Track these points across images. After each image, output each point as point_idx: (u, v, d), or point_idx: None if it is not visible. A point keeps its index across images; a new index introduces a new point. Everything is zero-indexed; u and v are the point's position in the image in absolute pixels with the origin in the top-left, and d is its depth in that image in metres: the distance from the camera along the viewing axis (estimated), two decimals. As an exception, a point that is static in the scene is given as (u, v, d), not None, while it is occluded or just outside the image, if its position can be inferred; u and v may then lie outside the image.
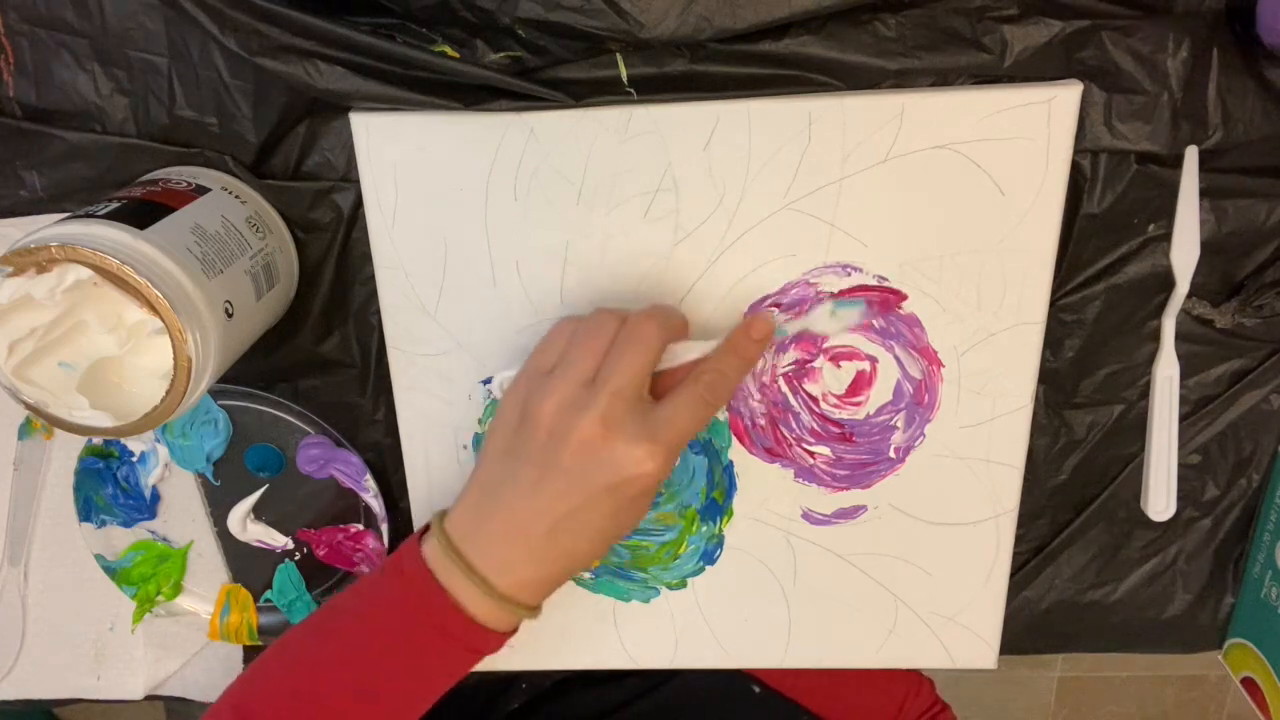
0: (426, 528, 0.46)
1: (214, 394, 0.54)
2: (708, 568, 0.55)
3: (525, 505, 0.42)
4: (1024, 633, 0.60)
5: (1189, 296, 0.51)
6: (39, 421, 0.54)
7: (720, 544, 0.55)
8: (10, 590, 0.62)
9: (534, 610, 0.45)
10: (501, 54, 0.45)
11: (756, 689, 0.65)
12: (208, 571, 0.61)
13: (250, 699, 0.46)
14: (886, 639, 0.56)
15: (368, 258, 0.50)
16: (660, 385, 0.45)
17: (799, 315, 0.49)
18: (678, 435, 0.42)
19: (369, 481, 0.56)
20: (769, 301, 0.49)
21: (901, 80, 0.45)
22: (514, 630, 0.45)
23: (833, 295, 0.49)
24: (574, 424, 0.41)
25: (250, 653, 0.63)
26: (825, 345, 0.50)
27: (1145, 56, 0.45)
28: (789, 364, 0.51)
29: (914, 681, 0.73)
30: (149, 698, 0.65)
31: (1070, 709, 1.62)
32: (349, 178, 0.50)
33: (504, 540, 0.43)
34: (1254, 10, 0.44)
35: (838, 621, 0.56)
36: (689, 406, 0.43)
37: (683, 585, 0.56)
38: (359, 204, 0.49)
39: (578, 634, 0.58)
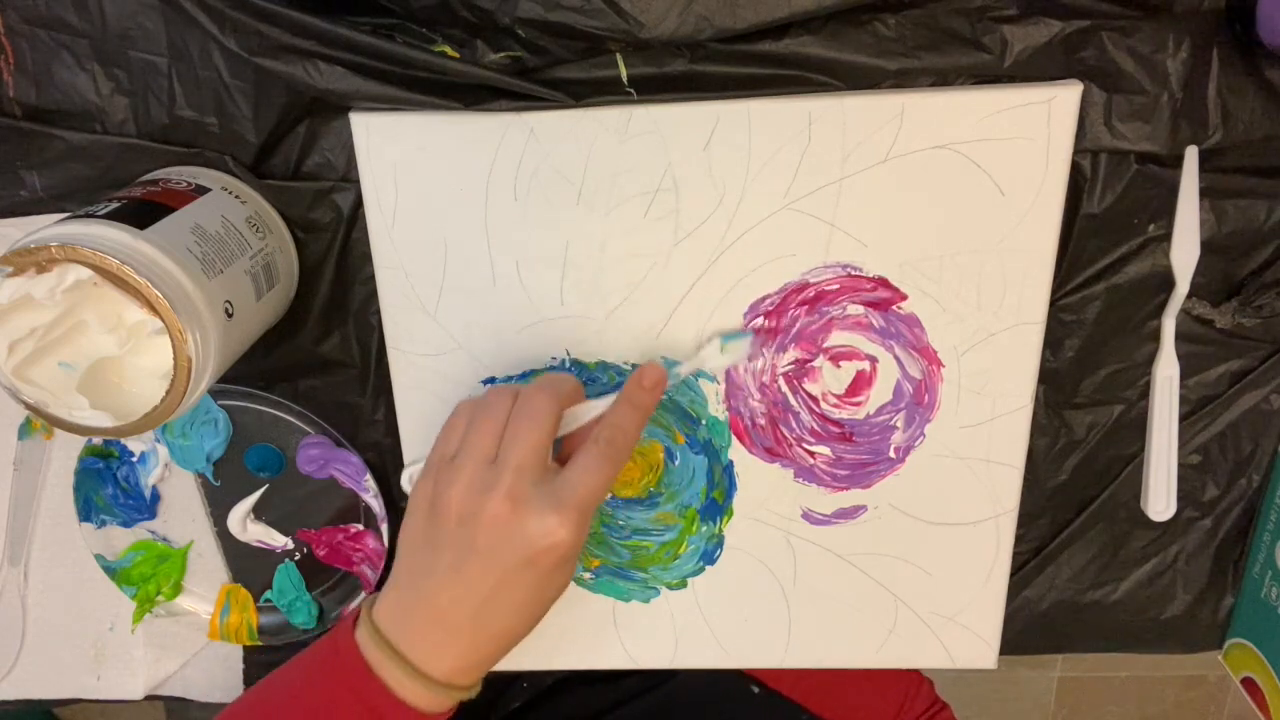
0: (358, 611, 0.46)
1: (214, 394, 0.54)
2: (708, 568, 0.55)
3: (446, 593, 0.43)
4: (1024, 633, 0.60)
5: (1189, 296, 0.51)
6: (39, 421, 0.54)
7: (720, 544, 0.55)
8: (10, 590, 0.62)
9: (470, 689, 0.45)
10: (501, 54, 0.45)
11: (755, 689, 0.65)
12: (208, 571, 0.61)
13: None
14: (886, 639, 0.56)
15: (368, 258, 0.50)
16: (567, 450, 0.45)
17: (687, 357, 0.49)
18: (586, 498, 0.42)
19: (369, 481, 0.56)
20: (766, 301, 0.49)
21: (901, 80, 0.45)
22: (451, 710, 0.45)
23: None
24: (482, 505, 0.41)
25: (250, 653, 0.63)
26: (825, 345, 0.50)
27: (1145, 56, 0.45)
28: (789, 364, 0.51)
29: (914, 682, 0.73)
30: (149, 698, 0.65)
31: (1070, 709, 1.62)
32: (349, 178, 0.50)
33: (431, 628, 0.43)
34: (1254, 10, 0.43)
35: (838, 621, 0.56)
36: (592, 467, 0.43)
37: (683, 585, 0.56)
38: (359, 204, 0.49)
39: (578, 634, 0.58)
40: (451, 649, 0.43)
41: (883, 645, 0.57)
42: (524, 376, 0.52)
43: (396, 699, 0.43)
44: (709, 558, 0.55)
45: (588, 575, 0.56)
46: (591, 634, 0.58)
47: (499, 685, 0.66)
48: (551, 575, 0.43)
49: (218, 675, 0.64)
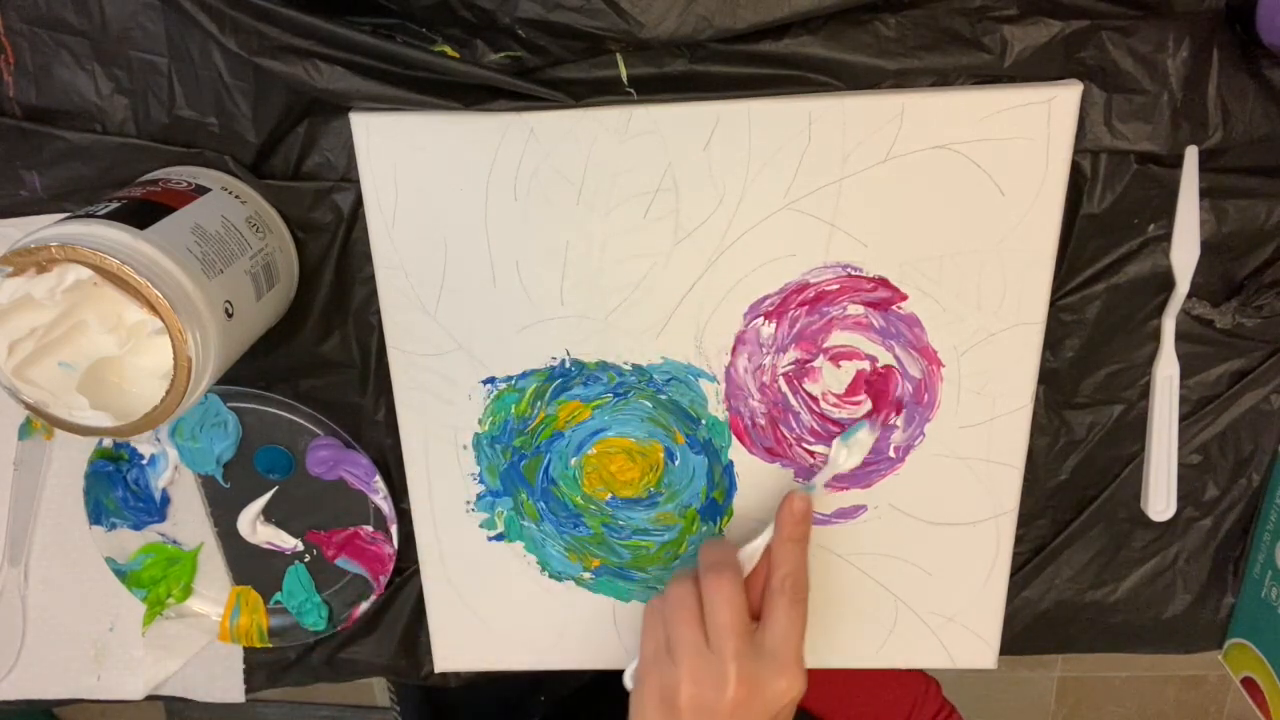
0: None
1: (223, 396, 0.54)
2: (708, 568, 0.55)
3: None
4: (1024, 633, 0.60)
5: (1189, 296, 0.51)
6: (39, 421, 0.54)
7: (720, 544, 0.55)
8: (10, 590, 0.62)
9: None
10: (501, 54, 0.45)
11: None
12: (218, 574, 0.61)
13: None
14: (886, 639, 0.56)
15: (368, 258, 0.50)
16: (751, 593, 0.48)
17: (819, 471, 0.51)
18: (796, 647, 0.46)
19: (378, 483, 0.56)
20: (766, 301, 0.49)
21: (901, 80, 0.45)
22: None
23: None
24: (720, 697, 0.44)
25: (250, 653, 0.63)
26: (825, 345, 0.50)
27: (1145, 56, 0.45)
28: (789, 364, 0.51)
29: (921, 684, 0.73)
30: (149, 698, 0.65)
31: (1070, 709, 1.62)
32: (349, 178, 0.50)
33: None
34: (1254, 10, 0.43)
35: (838, 621, 0.56)
36: (788, 617, 0.46)
37: (683, 585, 0.56)
38: (359, 204, 0.49)
39: (578, 634, 0.58)
40: None
41: (883, 645, 0.57)
42: (524, 376, 0.52)
43: None
44: (709, 558, 0.55)
45: (588, 575, 0.56)
46: (591, 634, 0.58)
47: (515, 699, 0.66)
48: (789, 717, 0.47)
49: (218, 675, 0.64)
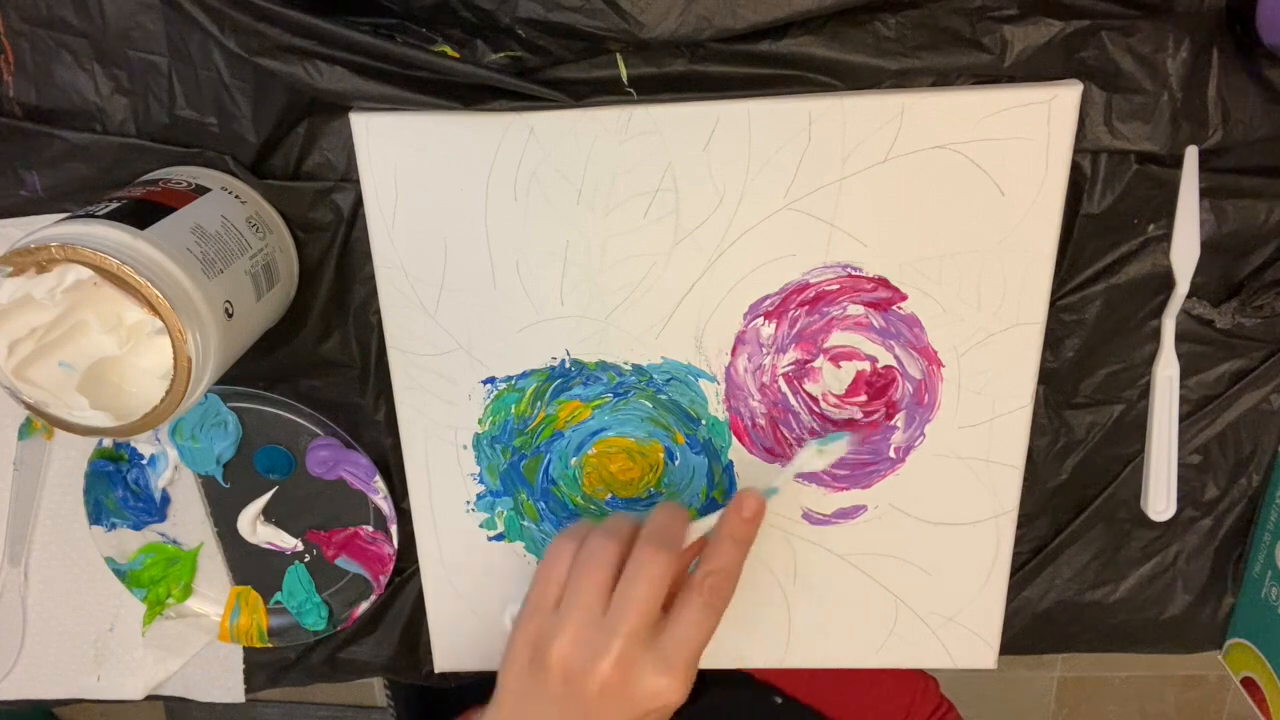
0: None
1: (223, 396, 0.54)
2: (708, 568, 0.55)
3: None
4: (1024, 633, 0.60)
5: (1189, 296, 0.51)
6: (39, 421, 0.54)
7: (720, 544, 0.55)
8: (10, 590, 0.62)
9: None
10: (501, 54, 0.45)
11: (779, 700, 0.65)
12: (218, 574, 0.61)
13: None
14: (886, 639, 0.56)
15: (368, 258, 0.50)
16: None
17: (785, 464, 0.49)
18: (694, 653, 0.42)
19: (378, 483, 0.56)
20: (766, 301, 0.49)
21: (901, 80, 0.45)
22: None
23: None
24: (590, 670, 0.41)
25: (250, 653, 0.63)
26: (825, 345, 0.50)
27: (1145, 56, 0.45)
28: (789, 364, 0.51)
29: (920, 682, 0.73)
30: (149, 698, 0.65)
31: (1070, 709, 1.62)
32: (349, 178, 0.50)
33: None
34: (1254, 10, 0.43)
35: (838, 621, 0.56)
36: (698, 620, 0.42)
37: (683, 585, 0.56)
38: (359, 204, 0.49)
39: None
40: None
41: (883, 645, 0.57)
42: (524, 376, 0.52)
43: None
44: (709, 558, 0.55)
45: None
46: (591, 634, 0.57)
47: None
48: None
49: (218, 675, 0.64)
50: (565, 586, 0.43)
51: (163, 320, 0.40)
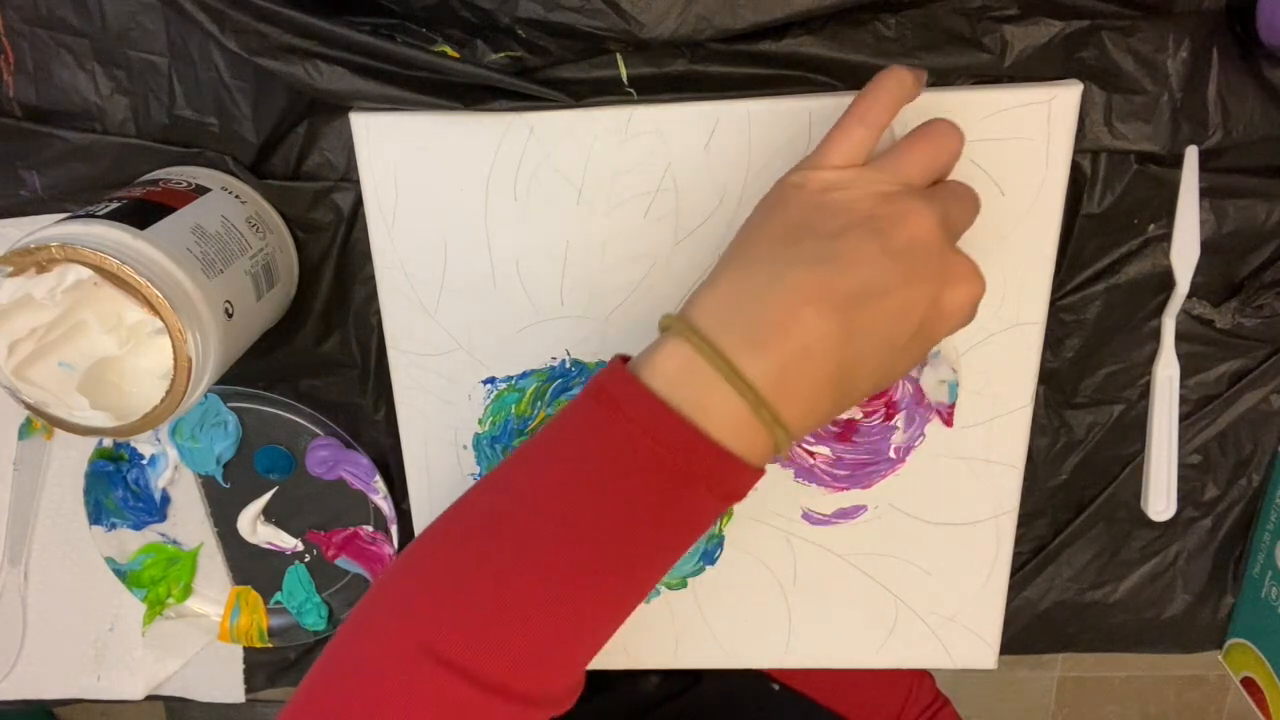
0: (620, 359, 0.37)
1: (224, 396, 0.54)
2: (708, 568, 0.55)
3: (814, 276, 0.34)
4: (1024, 633, 0.60)
5: (1189, 296, 0.51)
6: (39, 421, 0.54)
7: (720, 544, 0.55)
8: (10, 590, 0.62)
9: (788, 442, 0.35)
10: (501, 54, 0.45)
11: (776, 687, 0.66)
12: (218, 574, 0.61)
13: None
14: (886, 639, 0.56)
15: (368, 258, 0.50)
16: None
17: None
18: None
19: (378, 483, 0.56)
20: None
21: (901, 80, 0.45)
22: (761, 472, 0.36)
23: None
24: (907, 214, 0.34)
25: (250, 653, 0.63)
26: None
27: (1145, 56, 0.45)
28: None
29: (916, 675, 0.73)
30: (149, 698, 0.65)
31: (1070, 709, 1.62)
32: (349, 178, 0.50)
33: (772, 327, 0.34)
34: (1254, 10, 0.44)
35: (838, 621, 0.56)
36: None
37: (683, 585, 0.56)
38: (359, 204, 0.49)
39: (578, 634, 0.58)
40: (794, 363, 0.34)
41: (883, 645, 0.56)
42: (524, 376, 0.52)
43: (710, 441, 0.34)
44: (709, 558, 0.55)
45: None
46: (591, 634, 0.58)
47: None
48: (938, 328, 0.36)
49: (218, 675, 0.64)
50: (888, 155, 0.37)
51: (163, 320, 0.40)
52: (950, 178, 0.40)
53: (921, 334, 0.36)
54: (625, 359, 0.37)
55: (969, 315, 0.38)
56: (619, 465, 0.34)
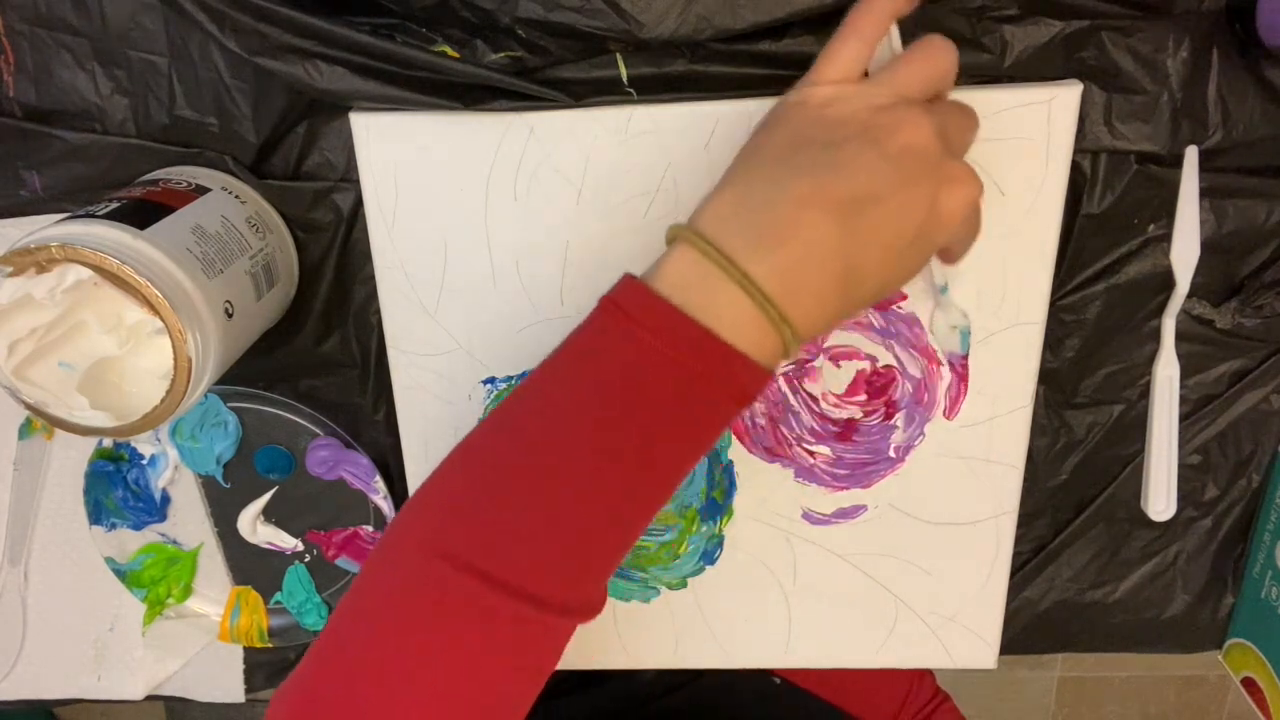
0: (630, 277, 0.37)
1: (223, 396, 0.54)
2: (708, 568, 0.55)
3: (815, 182, 0.35)
4: (1024, 633, 0.60)
5: (1189, 296, 0.51)
6: (39, 421, 0.54)
7: (720, 544, 0.55)
8: (10, 590, 0.62)
9: (798, 343, 0.36)
10: (501, 54, 0.45)
11: (777, 681, 0.66)
12: (218, 574, 0.61)
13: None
14: (886, 639, 0.56)
15: (368, 258, 0.50)
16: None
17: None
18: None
19: (378, 483, 0.56)
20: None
21: (901, 80, 0.45)
22: (771, 373, 0.37)
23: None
24: (902, 122, 0.35)
25: (250, 653, 0.63)
26: (825, 344, 0.50)
27: (1145, 56, 0.45)
28: (789, 364, 0.51)
29: (917, 671, 0.73)
30: (149, 698, 0.65)
31: (1070, 709, 1.62)
32: (349, 178, 0.50)
33: (776, 230, 0.35)
34: (1254, 10, 0.44)
35: (838, 621, 0.56)
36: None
37: (683, 585, 0.56)
38: (359, 204, 0.49)
39: (577, 633, 0.58)
40: (798, 263, 0.35)
41: (883, 645, 0.56)
42: (524, 376, 0.52)
43: (721, 342, 0.34)
44: (709, 558, 0.55)
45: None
46: (591, 634, 0.57)
47: None
48: (938, 230, 0.37)
49: (218, 675, 0.64)
50: (889, 69, 0.38)
51: (163, 320, 0.40)
52: None
53: (922, 237, 0.37)
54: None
55: (969, 220, 0.39)
56: (631, 369, 0.35)
